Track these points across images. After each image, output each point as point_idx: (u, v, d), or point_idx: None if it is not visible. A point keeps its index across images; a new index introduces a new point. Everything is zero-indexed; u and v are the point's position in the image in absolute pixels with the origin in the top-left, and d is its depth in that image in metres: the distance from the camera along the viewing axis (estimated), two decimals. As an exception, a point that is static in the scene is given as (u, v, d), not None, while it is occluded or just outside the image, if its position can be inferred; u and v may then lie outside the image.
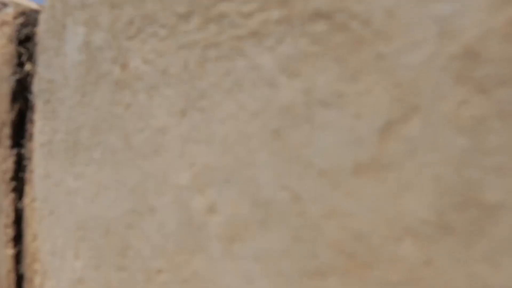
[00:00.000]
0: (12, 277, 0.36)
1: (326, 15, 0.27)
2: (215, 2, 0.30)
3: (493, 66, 0.26)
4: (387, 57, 0.27)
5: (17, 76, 0.36)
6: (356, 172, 0.27)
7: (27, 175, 0.36)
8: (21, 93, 0.36)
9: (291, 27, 0.28)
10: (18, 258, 0.37)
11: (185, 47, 0.30)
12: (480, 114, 0.25)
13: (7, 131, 0.36)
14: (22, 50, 0.36)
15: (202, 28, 0.30)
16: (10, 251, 0.36)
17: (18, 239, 0.36)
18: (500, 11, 0.25)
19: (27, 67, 0.36)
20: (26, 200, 0.36)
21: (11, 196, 0.36)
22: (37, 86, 0.36)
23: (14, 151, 0.37)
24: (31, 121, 0.36)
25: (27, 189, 0.36)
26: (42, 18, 0.35)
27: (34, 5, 0.38)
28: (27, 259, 0.37)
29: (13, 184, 0.36)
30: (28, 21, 0.36)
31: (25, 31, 0.36)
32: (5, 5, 0.36)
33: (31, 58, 0.36)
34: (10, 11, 0.36)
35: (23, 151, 0.37)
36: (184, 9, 0.30)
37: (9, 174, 0.36)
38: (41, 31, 0.35)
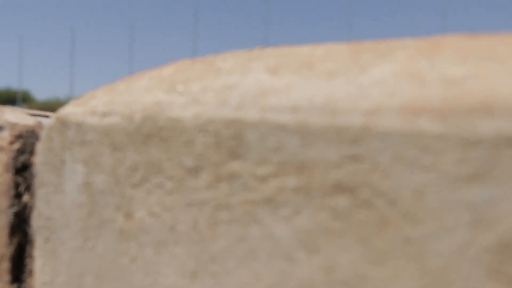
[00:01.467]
0: None
1: (349, 189, 0.25)
2: (226, 160, 0.28)
3: (532, 262, 0.24)
4: (415, 241, 0.25)
5: (15, 209, 0.34)
6: None
7: (28, 312, 0.35)
8: (20, 226, 0.35)
9: (309, 198, 0.26)
10: None
11: (194, 205, 0.29)
12: (516, 313, 0.24)
13: (6, 265, 0.35)
14: (20, 179, 0.34)
15: (212, 187, 0.28)
16: None
17: None
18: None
19: (25, 198, 0.34)
20: (28, 337, 0.35)
21: (12, 333, 0.35)
22: (36, 222, 0.34)
23: (14, 286, 0.35)
24: (31, 257, 0.35)
25: (29, 326, 0.35)
26: (40, 149, 0.33)
27: (30, 121, 0.36)
28: None
29: (14, 321, 0.35)
30: (25, 146, 0.34)
31: (22, 158, 0.34)
32: (0, 128, 0.34)
33: (29, 188, 0.34)
34: (5, 135, 0.34)
35: (23, 286, 0.35)
36: (192, 163, 0.29)
37: (10, 310, 0.35)
38: (39, 162, 0.33)
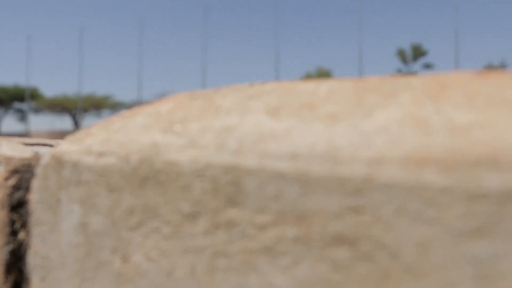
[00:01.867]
0: None
1: (349, 241, 0.25)
2: (224, 206, 0.28)
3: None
4: (419, 298, 0.24)
5: (11, 247, 0.34)
6: None
7: None
8: (15, 264, 0.35)
9: (308, 249, 0.26)
10: None
11: (192, 251, 0.28)
12: None
13: (2, 303, 0.35)
14: (15, 216, 0.34)
15: (209, 233, 0.28)
16: None
17: None
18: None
19: (21, 236, 0.34)
20: None
21: None
22: (32, 260, 0.34)
23: (10, 324, 0.35)
24: (27, 295, 0.35)
25: None
26: (35, 186, 0.33)
27: (27, 153, 0.35)
28: None
29: None
30: (21, 182, 0.34)
31: (18, 195, 0.34)
32: (-5, 163, 0.34)
33: (24, 225, 0.34)
34: (0, 171, 0.34)
35: (19, 324, 0.35)
36: (189, 208, 0.28)
37: None
38: (35, 200, 0.33)
